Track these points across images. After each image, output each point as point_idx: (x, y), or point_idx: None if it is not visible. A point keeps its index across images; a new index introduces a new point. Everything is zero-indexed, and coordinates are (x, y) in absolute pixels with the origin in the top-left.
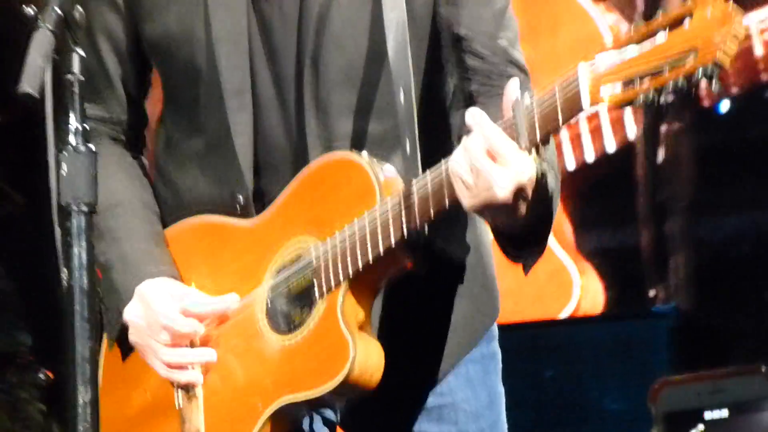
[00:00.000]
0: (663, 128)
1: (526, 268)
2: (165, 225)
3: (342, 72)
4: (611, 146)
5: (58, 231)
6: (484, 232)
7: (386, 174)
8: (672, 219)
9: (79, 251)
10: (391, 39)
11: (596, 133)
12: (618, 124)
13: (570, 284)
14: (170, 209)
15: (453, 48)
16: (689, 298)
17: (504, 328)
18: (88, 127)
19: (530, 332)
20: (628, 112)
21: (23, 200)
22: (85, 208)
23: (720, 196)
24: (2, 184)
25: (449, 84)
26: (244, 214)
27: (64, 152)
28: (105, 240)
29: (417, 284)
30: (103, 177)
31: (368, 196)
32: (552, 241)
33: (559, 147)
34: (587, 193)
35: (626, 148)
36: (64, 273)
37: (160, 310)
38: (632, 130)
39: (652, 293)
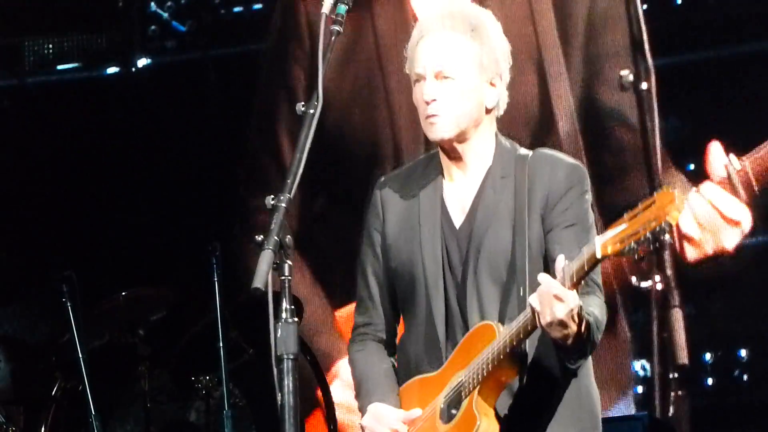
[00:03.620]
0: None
1: (575, 368)
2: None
3: (491, 278)
4: None
5: (275, 371)
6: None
7: (496, 326)
8: None
9: (288, 383)
10: (518, 258)
11: None
12: None
13: None
14: (404, 373)
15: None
16: None
17: None
18: (358, 333)
19: None
20: None
21: (254, 351)
22: (291, 357)
23: None
24: (240, 341)
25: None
26: (440, 360)
27: (279, 322)
28: (361, 390)
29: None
30: (365, 360)
31: (492, 337)
32: None
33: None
34: None
35: None
36: (279, 396)
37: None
38: None
39: None
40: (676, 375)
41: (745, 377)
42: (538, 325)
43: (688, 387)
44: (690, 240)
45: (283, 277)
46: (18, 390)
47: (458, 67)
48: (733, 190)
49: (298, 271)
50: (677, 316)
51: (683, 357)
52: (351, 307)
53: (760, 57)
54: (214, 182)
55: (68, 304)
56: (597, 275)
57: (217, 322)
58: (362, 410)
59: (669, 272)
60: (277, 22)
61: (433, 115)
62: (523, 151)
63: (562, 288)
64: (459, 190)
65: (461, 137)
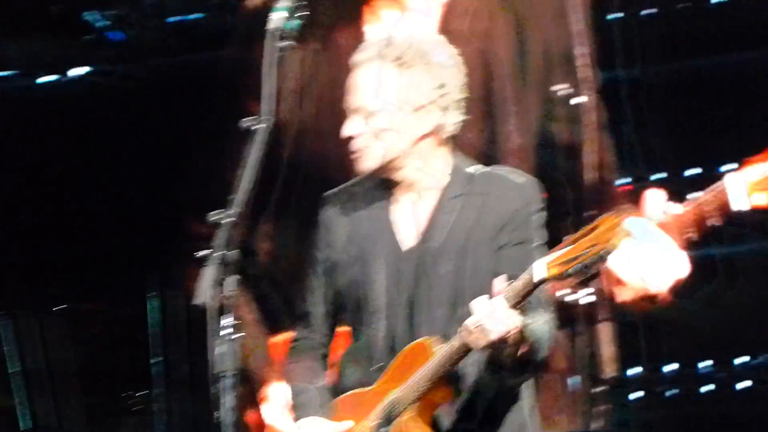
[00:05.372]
0: None
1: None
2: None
3: (439, 300)
4: None
5: (213, 389)
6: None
7: (433, 344)
8: None
9: (226, 401)
10: (467, 279)
11: None
12: None
13: None
14: (340, 389)
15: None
16: None
17: None
18: (295, 345)
19: None
20: None
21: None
22: (230, 374)
23: None
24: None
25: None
26: (375, 379)
27: (218, 339)
28: (295, 402)
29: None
30: (301, 373)
31: (428, 354)
32: None
33: None
34: None
35: None
36: (216, 414)
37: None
38: None
39: None
40: (601, 389)
41: (672, 392)
42: (474, 346)
43: (614, 401)
44: (618, 281)
45: (225, 294)
46: None
47: (378, 102)
48: (671, 234)
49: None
50: (605, 330)
51: (610, 371)
52: (286, 335)
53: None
54: (156, 194)
55: (5, 319)
56: (542, 291)
57: (156, 339)
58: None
59: (597, 286)
60: (233, 43)
61: (358, 149)
62: (478, 169)
63: (501, 308)
64: (408, 212)
65: (392, 168)
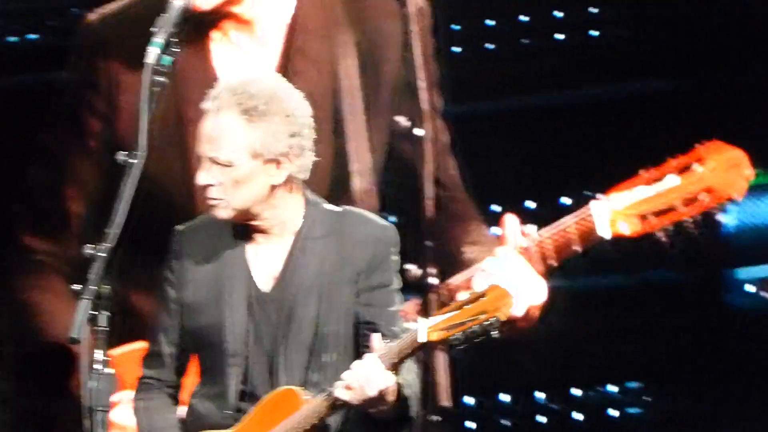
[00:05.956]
0: None
1: None
2: None
3: (299, 344)
4: None
5: (87, 422)
6: None
7: (303, 395)
8: None
9: None
10: (327, 323)
11: None
12: None
13: None
14: (191, 427)
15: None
16: None
17: None
18: (144, 383)
19: None
20: None
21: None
22: (104, 409)
23: None
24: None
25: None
26: (231, 424)
27: (91, 375)
28: None
29: None
30: (152, 411)
31: (295, 408)
32: None
33: None
34: None
35: None
36: None
37: None
38: None
39: None
40: (436, 418)
41: (507, 422)
42: (349, 401)
43: (451, 430)
44: None
45: (98, 328)
46: None
47: (231, 155)
48: (531, 260)
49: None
50: (441, 359)
51: (445, 399)
52: (126, 348)
53: (576, 105)
54: None
55: None
56: None
57: None
58: None
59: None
60: (73, 64)
61: (212, 199)
62: (332, 208)
63: (378, 368)
64: (266, 255)
65: (248, 215)
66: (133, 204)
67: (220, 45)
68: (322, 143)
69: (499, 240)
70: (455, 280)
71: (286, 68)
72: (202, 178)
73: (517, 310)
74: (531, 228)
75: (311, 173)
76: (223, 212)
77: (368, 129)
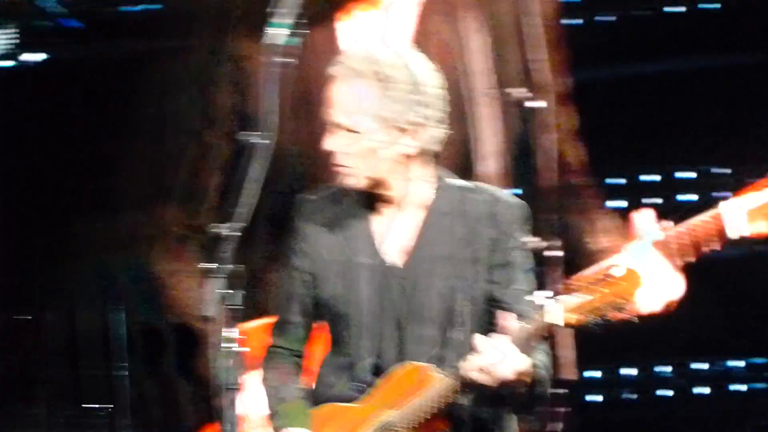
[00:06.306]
0: None
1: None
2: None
3: (430, 320)
4: None
5: (218, 401)
6: None
7: (435, 373)
8: None
9: (231, 414)
10: (458, 300)
11: None
12: None
13: None
14: (320, 400)
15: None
16: None
17: None
18: (273, 351)
19: None
20: None
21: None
22: (234, 387)
23: None
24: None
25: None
26: (359, 397)
27: (222, 353)
28: (275, 409)
29: None
30: (280, 379)
31: (425, 384)
32: None
33: None
34: None
35: None
36: (222, 428)
37: None
38: None
39: None
40: (562, 391)
41: (631, 395)
42: (482, 383)
43: (574, 403)
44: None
45: (231, 306)
46: None
47: (361, 122)
48: (668, 255)
49: None
50: (566, 332)
51: (570, 373)
52: (256, 322)
53: (699, 73)
54: (106, 189)
55: None
56: None
57: (118, 351)
58: (275, 430)
59: (559, 286)
60: (205, 39)
61: (340, 166)
62: (463, 183)
63: (511, 350)
64: (395, 227)
65: (377, 185)
66: (264, 184)
67: (348, 27)
68: (452, 125)
69: (631, 231)
70: (589, 272)
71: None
72: (329, 143)
73: (656, 305)
74: (668, 223)
75: (441, 153)
76: (353, 180)
77: (496, 111)
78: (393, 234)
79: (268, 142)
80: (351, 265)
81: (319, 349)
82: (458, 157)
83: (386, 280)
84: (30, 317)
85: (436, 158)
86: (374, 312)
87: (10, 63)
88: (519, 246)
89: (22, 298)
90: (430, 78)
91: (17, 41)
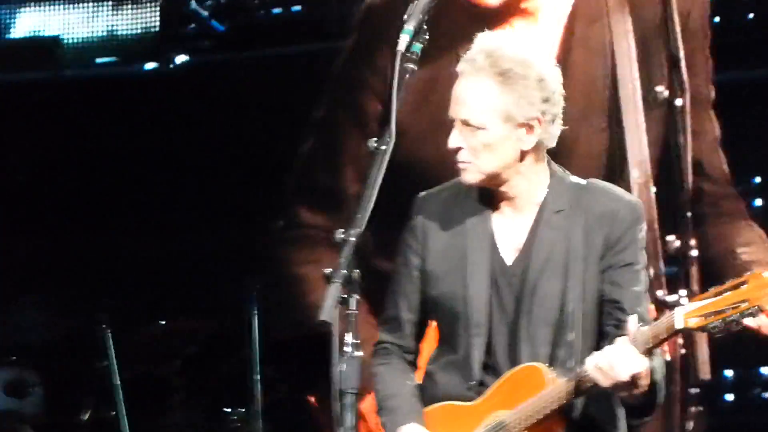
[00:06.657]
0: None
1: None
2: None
3: (543, 319)
4: None
5: (336, 405)
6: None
7: (552, 375)
8: None
9: (350, 418)
10: (572, 300)
11: None
12: None
13: None
14: (429, 397)
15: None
16: None
17: None
18: (383, 347)
19: None
20: None
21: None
22: (353, 391)
23: None
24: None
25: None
26: (472, 397)
27: (341, 358)
28: (385, 406)
29: None
30: (390, 376)
31: (540, 385)
32: None
33: None
34: None
35: None
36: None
37: None
38: None
39: None
40: (696, 391)
41: (766, 395)
42: (600, 384)
43: (708, 403)
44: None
45: (348, 311)
46: (50, 415)
47: (483, 118)
48: None
49: None
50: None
51: (705, 372)
52: None
53: None
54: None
55: (108, 332)
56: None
57: (253, 357)
58: (385, 426)
59: (695, 287)
60: (354, 44)
61: (462, 162)
62: (577, 180)
63: (633, 351)
64: (510, 225)
65: (496, 181)
66: (381, 189)
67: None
68: (598, 132)
69: None
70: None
71: (565, 58)
72: (453, 140)
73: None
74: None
75: (586, 161)
76: (472, 176)
77: (646, 120)
78: (508, 232)
79: (386, 147)
80: (466, 263)
81: (425, 346)
82: (606, 169)
83: (499, 278)
84: (169, 323)
85: (548, 154)
86: (487, 311)
87: (155, 65)
88: (635, 246)
89: (165, 306)
90: (552, 72)
91: (167, 43)
